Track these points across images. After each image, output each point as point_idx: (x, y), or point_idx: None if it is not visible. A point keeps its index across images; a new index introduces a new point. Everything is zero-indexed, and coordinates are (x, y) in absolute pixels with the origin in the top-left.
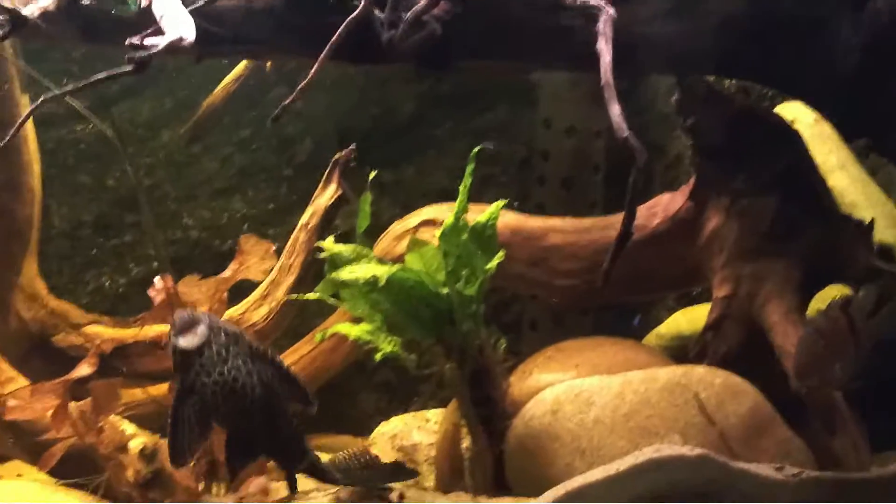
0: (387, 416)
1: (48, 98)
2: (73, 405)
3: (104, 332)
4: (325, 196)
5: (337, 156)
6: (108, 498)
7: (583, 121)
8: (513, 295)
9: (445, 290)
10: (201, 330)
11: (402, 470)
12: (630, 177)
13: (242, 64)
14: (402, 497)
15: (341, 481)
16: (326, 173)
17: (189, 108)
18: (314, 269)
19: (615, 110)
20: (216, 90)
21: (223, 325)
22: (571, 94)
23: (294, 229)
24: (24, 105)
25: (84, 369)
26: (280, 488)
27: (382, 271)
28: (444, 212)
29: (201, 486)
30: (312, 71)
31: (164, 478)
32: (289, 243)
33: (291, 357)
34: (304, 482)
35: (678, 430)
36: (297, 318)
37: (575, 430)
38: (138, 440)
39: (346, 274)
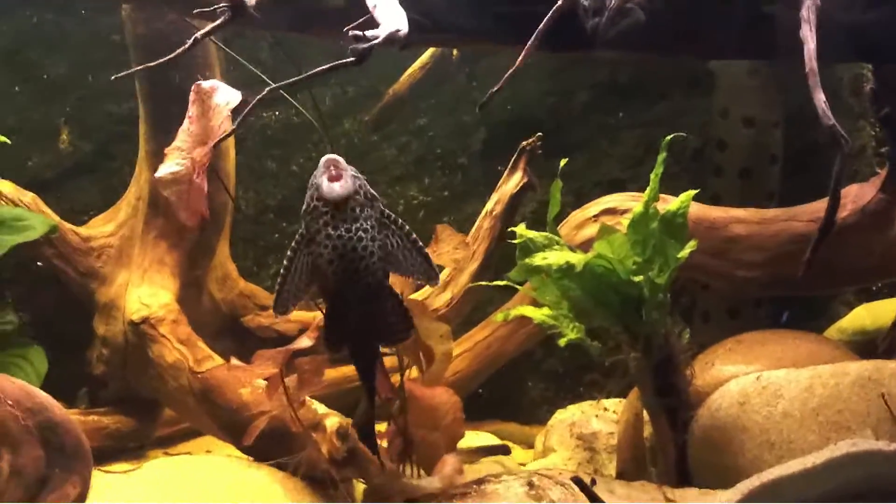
0: (553, 405)
1: (275, 87)
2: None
3: (291, 315)
4: (511, 183)
5: (524, 143)
6: (305, 477)
7: (761, 111)
8: (682, 285)
9: (638, 279)
10: (347, 182)
11: None
12: (835, 166)
13: (428, 53)
14: (594, 482)
15: None
16: (513, 161)
17: (370, 97)
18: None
19: (820, 98)
20: (402, 78)
21: (365, 183)
22: (749, 83)
23: (468, 216)
24: None
25: (304, 342)
26: (471, 470)
27: (576, 258)
28: (624, 200)
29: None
30: (520, 59)
31: (359, 456)
32: (473, 230)
33: (466, 343)
34: (491, 466)
35: (870, 426)
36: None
37: (763, 422)
38: (333, 419)
39: (539, 260)
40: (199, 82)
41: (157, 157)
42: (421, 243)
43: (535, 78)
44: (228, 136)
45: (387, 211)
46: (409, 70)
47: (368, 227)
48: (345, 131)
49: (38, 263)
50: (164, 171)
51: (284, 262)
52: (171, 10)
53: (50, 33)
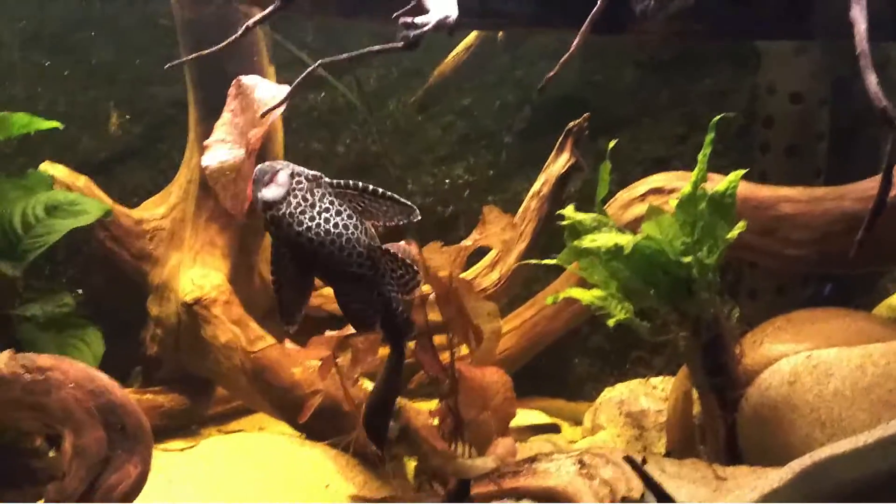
0: (599, 381)
1: (318, 64)
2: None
3: None
4: (558, 164)
5: (571, 124)
6: (356, 456)
7: (808, 87)
8: (728, 262)
9: (687, 259)
10: (282, 178)
11: None
12: (888, 145)
13: (473, 34)
14: (644, 461)
15: None
16: (559, 141)
17: (415, 78)
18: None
19: (871, 79)
20: (447, 59)
21: (301, 169)
22: (797, 60)
23: (513, 195)
24: (272, 77)
25: None
26: (522, 448)
27: (625, 240)
28: (671, 180)
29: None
30: (574, 44)
31: (410, 435)
32: (520, 211)
33: (514, 322)
34: (541, 444)
35: None
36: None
37: (814, 401)
38: None
39: (588, 242)
40: (239, 77)
41: None
42: (381, 189)
43: (579, 56)
44: (277, 110)
45: (335, 181)
46: (455, 51)
47: (328, 204)
48: (389, 112)
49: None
50: (210, 160)
51: (272, 276)
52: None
53: (98, 18)
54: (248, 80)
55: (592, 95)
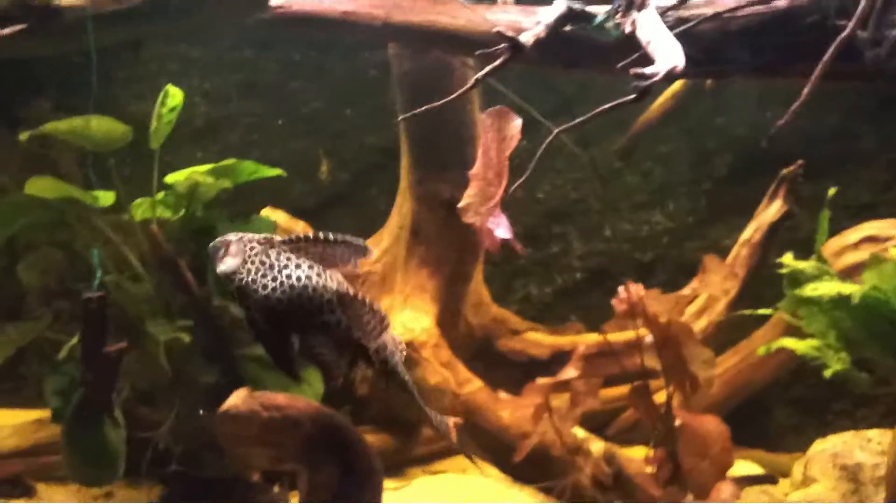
0: (800, 433)
1: (561, 130)
2: None
3: (542, 339)
4: (771, 212)
5: (784, 171)
6: (572, 500)
7: None
8: None
9: None
10: (234, 248)
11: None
12: None
13: (679, 81)
14: None
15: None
16: (772, 188)
17: (615, 126)
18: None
19: None
20: (652, 107)
21: (251, 235)
22: None
23: (713, 242)
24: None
25: (570, 372)
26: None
27: (850, 290)
28: (886, 228)
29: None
30: (805, 91)
31: (624, 481)
32: (730, 258)
33: (716, 369)
34: (757, 495)
35: None
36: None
37: None
38: (597, 444)
39: (809, 291)
40: (492, 109)
41: (419, 188)
42: (331, 234)
43: (784, 102)
44: (521, 179)
45: (286, 237)
46: (660, 99)
47: (285, 261)
48: (589, 158)
49: None
50: (465, 200)
51: (260, 344)
52: (445, 51)
53: (311, 69)
54: (499, 110)
55: (797, 141)
